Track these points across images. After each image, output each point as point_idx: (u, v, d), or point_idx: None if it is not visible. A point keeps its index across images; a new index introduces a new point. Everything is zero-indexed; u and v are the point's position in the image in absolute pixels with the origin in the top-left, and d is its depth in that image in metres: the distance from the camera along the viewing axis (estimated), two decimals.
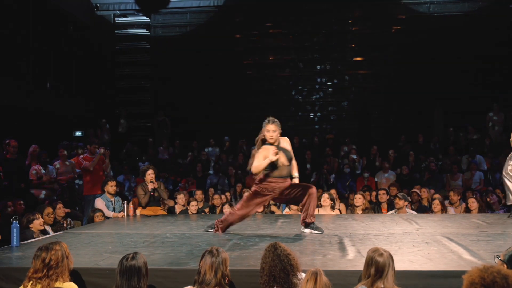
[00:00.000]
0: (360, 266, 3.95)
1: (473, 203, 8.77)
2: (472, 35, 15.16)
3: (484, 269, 2.77)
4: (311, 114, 16.91)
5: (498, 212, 9.16)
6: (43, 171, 9.91)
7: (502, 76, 15.07)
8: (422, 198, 9.79)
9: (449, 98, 15.00)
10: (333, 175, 12.52)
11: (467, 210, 8.92)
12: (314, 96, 16.89)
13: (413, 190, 10.06)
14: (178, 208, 9.41)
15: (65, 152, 10.87)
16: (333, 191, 9.61)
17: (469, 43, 15.11)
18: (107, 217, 8.14)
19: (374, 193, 10.15)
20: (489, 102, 14.10)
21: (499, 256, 3.68)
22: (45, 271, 3.82)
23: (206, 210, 9.54)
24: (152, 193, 8.30)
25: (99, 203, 8.35)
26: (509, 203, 7.50)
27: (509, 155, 7.49)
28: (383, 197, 9.45)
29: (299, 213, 9.04)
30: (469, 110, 14.68)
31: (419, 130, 14.44)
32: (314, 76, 16.87)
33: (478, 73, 15.05)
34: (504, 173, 7.39)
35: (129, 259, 3.74)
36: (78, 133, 14.29)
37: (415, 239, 5.71)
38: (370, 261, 3.71)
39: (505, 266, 3.52)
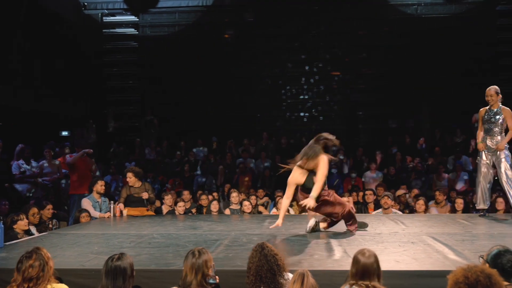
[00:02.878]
0: (346, 266, 3.96)
1: (460, 204, 8.85)
2: (459, 37, 15.28)
3: (468, 268, 2.80)
4: (300, 114, 16.95)
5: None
6: (26, 166, 9.83)
7: (489, 78, 15.18)
8: (409, 198, 9.86)
9: (437, 99, 15.10)
10: None
11: (453, 210, 8.99)
12: (303, 97, 16.92)
13: (400, 190, 10.12)
14: (165, 209, 9.38)
15: (51, 152, 10.80)
16: None
17: (456, 45, 15.23)
18: (93, 218, 8.08)
19: (361, 193, 10.19)
20: (476, 103, 14.19)
21: (483, 256, 3.71)
22: (25, 285, 3.75)
23: (193, 210, 9.52)
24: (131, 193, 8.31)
25: (86, 203, 8.30)
26: (478, 207, 7.60)
27: (478, 158, 7.57)
28: (370, 197, 9.50)
29: (286, 213, 9.08)
30: (456, 111, 14.77)
31: (406, 131, 14.53)
32: (302, 77, 16.90)
33: (466, 74, 15.14)
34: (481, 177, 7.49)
35: (114, 260, 3.72)
36: (64, 133, 14.20)
37: (401, 239, 5.74)
38: (355, 262, 3.73)
39: (488, 265, 3.56)
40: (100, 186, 8.37)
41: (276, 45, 16.76)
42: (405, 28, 15.86)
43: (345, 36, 16.62)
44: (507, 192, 7.25)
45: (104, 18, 17.05)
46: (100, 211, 8.28)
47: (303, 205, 5.75)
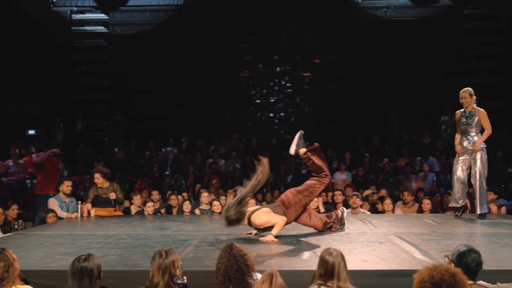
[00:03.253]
0: (315, 266, 3.98)
1: (427, 204, 9.00)
2: (427, 40, 15.55)
3: (434, 267, 2.84)
4: (270, 114, 16.99)
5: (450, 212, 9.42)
6: None
7: (456, 81, 15.50)
8: (378, 198, 9.98)
9: (404, 101, 15.33)
10: (291, 175, 12.62)
11: (420, 210, 9.14)
12: (273, 97, 16.96)
13: (368, 190, 10.24)
14: (134, 209, 9.28)
15: (17, 151, 10.59)
16: None
17: (425, 48, 15.49)
18: (60, 218, 7.95)
19: (330, 194, 10.27)
20: (443, 106, 14.45)
21: (448, 256, 3.78)
22: None
23: (163, 210, 9.44)
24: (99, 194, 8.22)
25: (52, 203, 8.15)
26: (450, 205, 7.77)
27: (455, 159, 7.73)
28: (339, 197, 9.57)
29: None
30: (423, 113, 15.01)
31: (374, 132, 14.71)
32: (273, 77, 16.94)
33: (433, 76, 15.40)
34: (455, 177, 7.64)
35: (81, 261, 3.67)
36: (31, 132, 13.92)
37: (369, 239, 5.81)
38: (321, 261, 3.75)
39: (453, 265, 3.63)
40: (66, 186, 8.24)
41: (247, 46, 16.76)
42: (375, 31, 16.05)
43: (316, 37, 16.74)
44: (476, 192, 7.42)
45: (73, 15, 16.77)
46: (67, 212, 8.15)
47: (264, 241, 5.71)
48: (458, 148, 7.60)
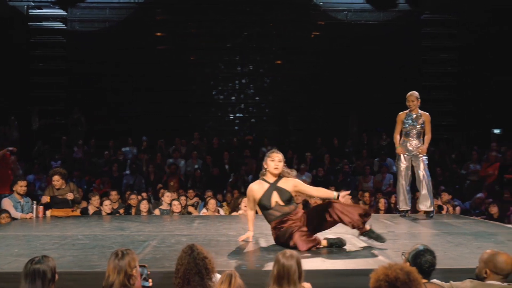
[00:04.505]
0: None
1: (383, 204, 9.18)
2: (386, 43, 15.85)
3: (389, 266, 2.90)
4: (231, 115, 16.97)
5: None
6: None
7: (412, 84, 15.83)
8: None
9: (364, 103, 15.57)
10: (251, 176, 12.63)
11: (377, 210, 9.31)
12: (234, 97, 16.95)
13: None
14: (91, 209, 9.11)
15: None
16: None
17: (384, 51, 15.78)
18: (14, 219, 7.74)
19: None
20: (401, 108, 14.74)
21: (405, 254, 3.86)
22: None
23: (121, 210, 9.30)
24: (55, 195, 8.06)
25: (6, 203, 7.93)
26: (400, 209, 7.96)
27: (398, 162, 7.92)
28: (299, 198, 9.62)
29: (216, 214, 9.08)
30: (382, 115, 15.26)
31: (334, 134, 14.89)
32: (234, 78, 16.94)
33: (392, 79, 15.70)
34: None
35: (34, 262, 3.58)
36: None
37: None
38: (276, 263, 3.75)
39: (409, 263, 3.71)
40: (20, 186, 8.02)
41: (208, 45, 16.69)
42: (335, 33, 16.26)
43: (277, 38, 16.82)
44: (424, 191, 7.61)
45: (30, 10, 16.32)
46: (22, 212, 7.94)
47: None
48: (399, 150, 7.79)
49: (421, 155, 7.59)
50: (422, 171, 7.59)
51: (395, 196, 10.48)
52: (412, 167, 7.73)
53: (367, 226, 5.32)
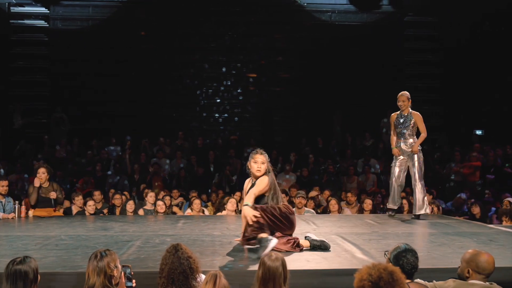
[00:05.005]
0: (256, 266, 4.00)
1: (368, 205, 9.23)
2: (370, 44, 15.94)
3: (373, 266, 2.92)
4: (216, 115, 16.94)
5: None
6: None
7: (395, 84, 15.97)
8: (322, 199, 10.14)
9: (348, 103, 15.65)
10: (236, 176, 12.63)
11: (361, 210, 9.36)
12: (219, 98, 16.92)
13: (313, 191, 10.40)
14: (75, 209, 9.04)
15: None
16: (238, 194, 9.61)
17: (367, 52, 15.88)
18: None
19: None
20: (384, 109, 14.88)
21: (387, 254, 3.89)
22: None
23: (105, 211, 9.23)
24: (39, 192, 7.92)
25: None
26: (388, 207, 8.02)
27: (393, 162, 7.99)
28: (283, 198, 9.65)
29: (201, 214, 9.07)
30: (366, 115, 15.37)
31: (318, 134, 14.94)
32: (219, 78, 16.91)
33: (375, 80, 15.80)
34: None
35: (15, 263, 3.54)
36: None
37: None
38: (261, 265, 3.76)
39: (391, 263, 3.73)
40: (1, 186, 7.92)
41: (193, 45, 16.64)
42: (319, 34, 16.32)
43: (262, 39, 16.84)
44: (415, 192, 7.67)
45: (11, 8, 16.12)
46: (4, 212, 7.84)
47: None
48: (395, 151, 7.85)
49: (416, 157, 7.65)
50: (416, 172, 7.65)
51: (379, 197, 10.65)
52: (408, 166, 7.79)
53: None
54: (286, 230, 5.35)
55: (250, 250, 5.08)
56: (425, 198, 7.74)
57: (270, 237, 5.01)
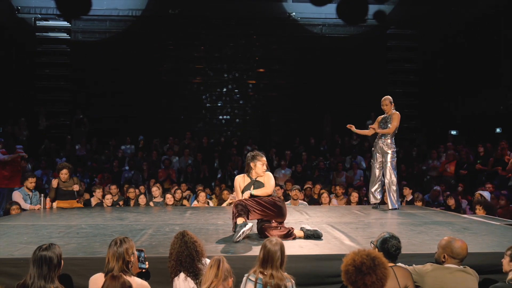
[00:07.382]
0: (256, 252, 4.01)
1: (355, 197, 9.24)
2: (356, 54, 15.96)
3: (358, 252, 2.94)
4: (219, 117, 16.98)
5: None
6: None
7: (379, 90, 15.96)
8: (314, 192, 10.15)
9: (337, 107, 15.65)
10: (236, 171, 12.63)
11: (348, 202, 9.36)
12: (222, 101, 16.97)
13: (306, 185, 10.39)
14: (94, 201, 9.04)
15: None
16: None
17: (354, 61, 15.90)
18: (24, 210, 7.64)
19: None
20: (368, 111, 14.87)
21: (373, 242, 3.90)
22: None
23: (121, 202, 9.24)
24: (57, 191, 7.92)
25: (16, 196, 7.84)
26: (371, 202, 8.01)
27: (372, 160, 7.98)
28: (278, 192, 9.67)
29: (206, 205, 9.06)
30: (352, 117, 15.32)
31: (311, 134, 14.95)
32: (222, 84, 16.94)
33: (361, 86, 15.78)
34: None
35: (42, 249, 3.56)
36: None
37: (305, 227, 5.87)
38: (262, 248, 3.78)
39: (377, 249, 3.74)
40: (30, 183, 7.94)
41: (199, 55, 16.69)
42: (311, 45, 16.35)
43: (260, 49, 16.86)
44: (387, 191, 7.69)
45: (37, 22, 16.12)
46: (31, 204, 7.85)
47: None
48: (353, 128, 7.97)
49: (389, 158, 7.64)
50: (388, 170, 7.65)
51: (364, 190, 10.65)
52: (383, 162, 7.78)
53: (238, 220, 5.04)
54: (277, 217, 5.27)
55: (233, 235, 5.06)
56: (398, 193, 7.74)
57: (245, 222, 4.97)
